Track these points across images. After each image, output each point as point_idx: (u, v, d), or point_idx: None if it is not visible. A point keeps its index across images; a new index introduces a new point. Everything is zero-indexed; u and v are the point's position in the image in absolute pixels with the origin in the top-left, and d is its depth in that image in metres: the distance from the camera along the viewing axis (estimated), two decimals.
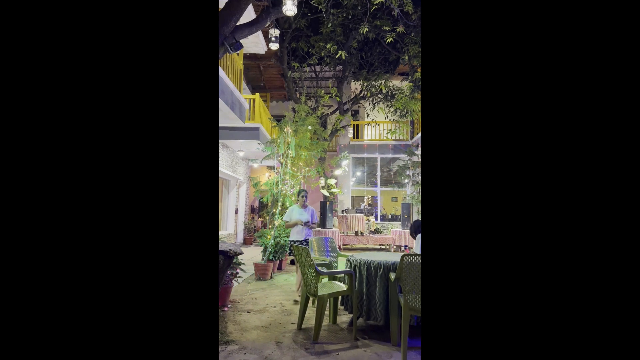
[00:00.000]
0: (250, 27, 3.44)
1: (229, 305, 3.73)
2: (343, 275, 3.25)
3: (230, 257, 3.26)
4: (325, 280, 3.37)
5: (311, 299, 3.43)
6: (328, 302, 3.21)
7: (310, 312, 3.42)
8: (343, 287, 3.04)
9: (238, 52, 5.24)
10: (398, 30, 6.96)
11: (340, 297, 3.33)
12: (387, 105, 9.32)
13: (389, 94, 9.18)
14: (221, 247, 3.17)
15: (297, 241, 4.35)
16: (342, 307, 3.41)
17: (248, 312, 3.57)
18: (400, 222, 9.37)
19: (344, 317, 3.39)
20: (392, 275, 2.74)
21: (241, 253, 3.32)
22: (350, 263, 3.18)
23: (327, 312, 3.32)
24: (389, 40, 7.25)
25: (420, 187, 9.63)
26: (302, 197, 4.56)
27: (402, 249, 8.25)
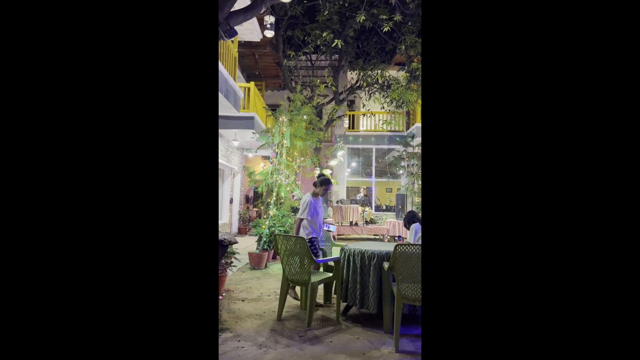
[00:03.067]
0: (245, 13, 3.37)
1: (223, 294, 3.75)
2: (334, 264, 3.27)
3: (225, 246, 3.27)
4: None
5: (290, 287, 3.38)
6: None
7: (292, 300, 3.44)
8: (329, 274, 3.09)
9: (232, 39, 5.16)
10: (395, 19, 6.88)
11: (333, 286, 3.36)
12: (383, 96, 9.27)
13: (385, 84, 9.12)
14: None
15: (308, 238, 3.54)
16: (335, 296, 3.44)
17: (242, 300, 3.59)
18: (394, 213, 9.43)
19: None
20: (386, 265, 2.77)
21: (235, 242, 3.33)
22: (345, 252, 3.20)
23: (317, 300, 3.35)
24: (385, 29, 7.17)
25: (414, 178, 9.67)
26: (324, 188, 3.58)
27: (397, 239, 8.32)
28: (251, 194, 11.62)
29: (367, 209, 9.54)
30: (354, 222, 8.96)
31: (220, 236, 3.20)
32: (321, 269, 3.47)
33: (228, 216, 9.55)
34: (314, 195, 3.63)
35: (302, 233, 3.55)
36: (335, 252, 4.09)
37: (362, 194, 10.74)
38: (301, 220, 3.54)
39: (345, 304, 3.22)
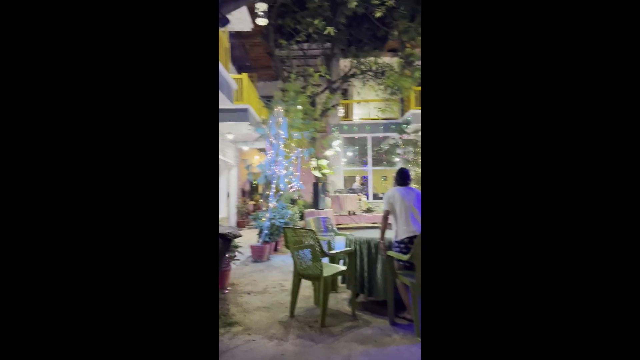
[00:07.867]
0: (237, 0, 3.27)
1: (229, 288, 3.73)
2: (343, 255, 3.24)
3: (229, 240, 3.23)
4: (325, 260, 3.38)
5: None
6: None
7: (301, 294, 3.44)
8: (342, 267, 3.02)
9: (223, 28, 5.03)
10: (387, 3, 6.77)
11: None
12: (378, 83, 9.19)
13: (379, 70, 9.03)
14: (219, 230, 3.12)
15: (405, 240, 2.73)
16: (344, 285, 3.44)
17: (248, 293, 3.57)
18: None
19: (345, 295, 3.44)
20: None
21: (240, 235, 3.29)
22: (351, 242, 3.19)
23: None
24: (378, 14, 7.05)
25: (411, 166, 9.67)
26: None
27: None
28: (247, 188, 11.54)
29: (362, 197, 9.53)
30: (351, 212, 8.96)
31: (224, 230, 3.16)
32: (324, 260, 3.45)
33: (226, 210, 9.49)
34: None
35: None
36: (339, 242, 4.09)
37: (357, 183, 10.74)
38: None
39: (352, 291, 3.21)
